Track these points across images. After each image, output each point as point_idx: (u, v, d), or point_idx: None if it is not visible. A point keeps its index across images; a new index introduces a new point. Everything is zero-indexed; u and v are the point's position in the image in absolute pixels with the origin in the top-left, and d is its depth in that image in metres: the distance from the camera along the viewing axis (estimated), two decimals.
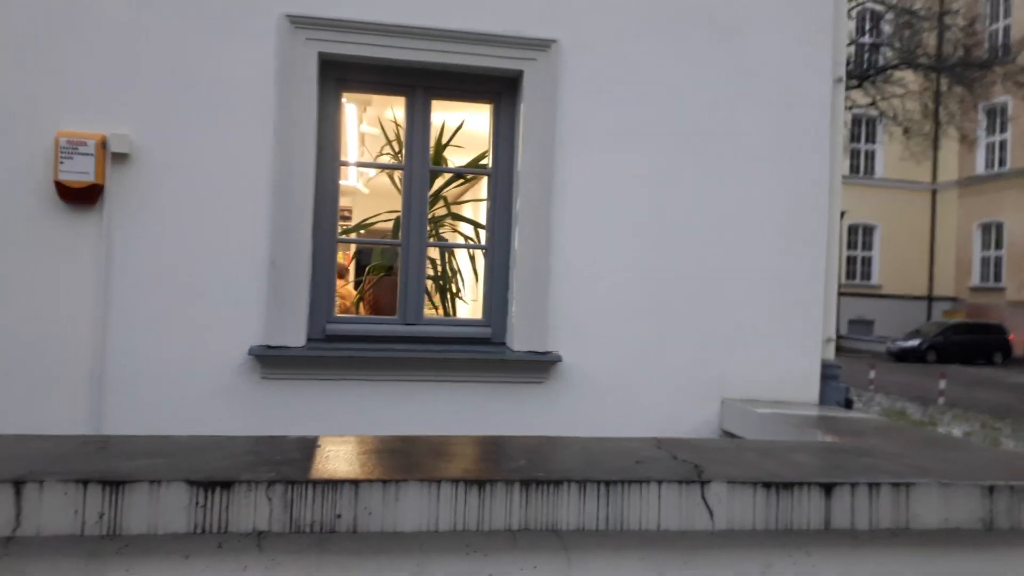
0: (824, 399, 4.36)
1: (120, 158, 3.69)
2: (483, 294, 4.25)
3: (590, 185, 4.09)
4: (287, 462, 2.32)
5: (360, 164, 4.74)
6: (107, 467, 2.13)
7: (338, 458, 2.42)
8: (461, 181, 5.42)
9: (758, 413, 3.85)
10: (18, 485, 1.97)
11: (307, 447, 2.55)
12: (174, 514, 2.02)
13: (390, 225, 5.13)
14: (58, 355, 3.64)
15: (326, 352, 3.86)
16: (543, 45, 4.02)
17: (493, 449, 2.60)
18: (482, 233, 4.52)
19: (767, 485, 2.30)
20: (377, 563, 2.09)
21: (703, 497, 2.27)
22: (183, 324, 3.74)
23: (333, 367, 3.88)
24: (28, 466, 2.14)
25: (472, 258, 5.13)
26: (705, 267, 4.19)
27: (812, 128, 4.31)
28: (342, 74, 4.00)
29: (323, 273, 3.99)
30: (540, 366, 4.01)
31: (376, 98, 4.72)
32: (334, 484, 2.10)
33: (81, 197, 3.63)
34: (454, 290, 4.92)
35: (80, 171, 3.60)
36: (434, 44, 3.95)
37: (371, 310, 4.62)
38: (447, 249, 5.12)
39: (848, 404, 4.47)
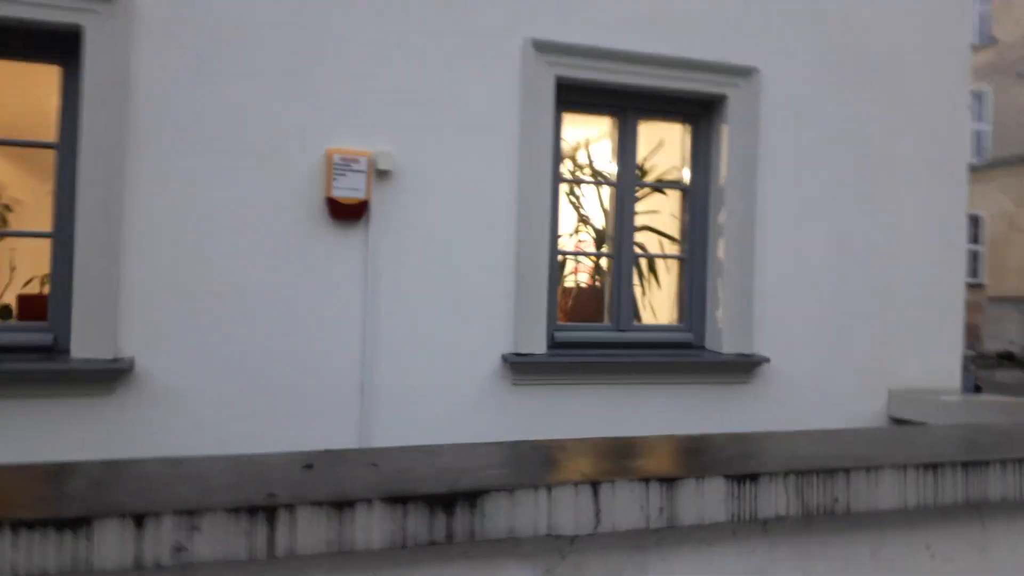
0: (962, 387, 4.93)
1: (382, 175, 3.80)
2: (680, 301, 4.58)
3: (782, 201, 4.47)
4: (739, 456, 2.60)
5: (575, 181, 4.95)
6: (644, 464, 2.35)
7: (783, 448, 2.72)
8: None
9: (944, 400, 4.37)
10: (595, 485, 2.19)
11: (714, 444, 2.82)
12: (715, 505, 2.29)
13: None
14: (330, 367, 3.73)
15: (564, 358, 4.09)
16: (746, 72, 4.37)
17: (875, 436, 2.95)
18: (664, 243, 4.84)
19: None
20: (867, 536, 2.40)
21: None
22: (441, 335, 3.89)
23: (568, 372, 4.12)
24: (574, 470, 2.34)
25: (652, 267, 5.37)
26: (871, 276, 4.66)
27: (953, 158, 4.85)
28: (566, 96, 4.21)
29: (552, 284, 4.21)
30: (747, 367, 4.38)
31: None
32: (831, 472, 2.42)
33: (350, 213, 3.72)
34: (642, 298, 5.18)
35: (352, 188, 3.69)
36: (649, 69, 4.23)
37: (568, 318, 4.83)
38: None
39: (978, 390, 5.07)
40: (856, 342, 4.62)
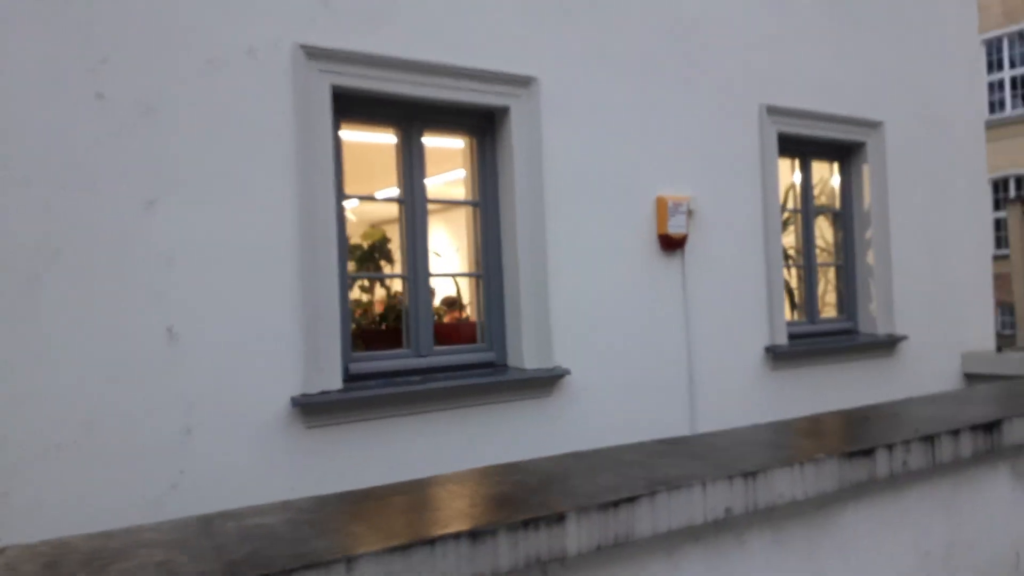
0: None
1: (690, 214, 4.87)
2: (840, 297, 6.03)
3: (900, 218, 6.07)
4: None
5: (790, 210, 6.18)
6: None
7: None
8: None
9: (1017, 357, 6.17)
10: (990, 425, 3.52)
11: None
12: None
13: None
14: (667, 362, 4.75)
15: (800, 347, 5.37)
16: (876, 124, 5.92)
17: None
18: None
19: None
20: None
21: None
22: (727, 333, 5.03)
23: (800, 357, 5.41)
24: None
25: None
26: (947, 268, 6.41)
27: (979, 188, 6.75)
28: (780, 146, 5.49)
29: None
30: (892, 344, 5.92)
31: None
32: None
33: (676, 245, 4.77)
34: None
35: (679, 225, 4.74)
36: (823, 123, 5.65)
37: None
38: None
39: (999, 350, 7.00)
40: (942, 319, 6.34)
